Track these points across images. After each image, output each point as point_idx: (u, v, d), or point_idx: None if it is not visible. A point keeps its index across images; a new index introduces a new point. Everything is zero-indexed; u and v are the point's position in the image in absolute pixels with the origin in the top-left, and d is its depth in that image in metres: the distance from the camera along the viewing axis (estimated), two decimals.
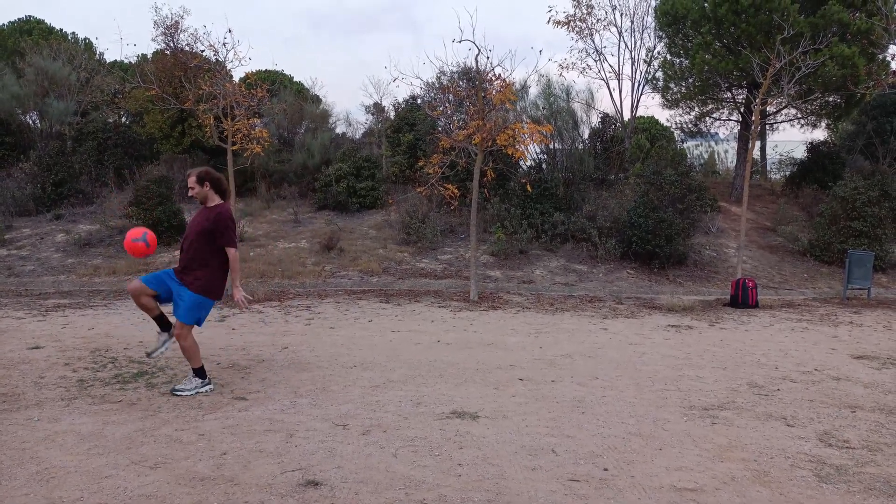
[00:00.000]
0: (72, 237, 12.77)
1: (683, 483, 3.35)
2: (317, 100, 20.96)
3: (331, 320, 7.97)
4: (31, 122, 17.99)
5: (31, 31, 21.33)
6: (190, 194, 4.90)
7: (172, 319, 4.86)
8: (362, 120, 30.40)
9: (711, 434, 4.11)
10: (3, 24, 22.01)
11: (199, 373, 4.81)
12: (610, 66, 24.38)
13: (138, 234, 4.80)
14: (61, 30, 22.26)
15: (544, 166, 15.15)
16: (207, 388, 4.83)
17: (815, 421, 4.43)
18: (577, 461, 3.62)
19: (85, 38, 22.28)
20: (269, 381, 5.18)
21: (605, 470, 3.51)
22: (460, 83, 14.88)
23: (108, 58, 21.82)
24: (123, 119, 18.03)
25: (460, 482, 3.31)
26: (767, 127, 19.18)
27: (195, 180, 4.83)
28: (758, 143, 20.39)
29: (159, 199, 12.53)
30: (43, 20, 22.45)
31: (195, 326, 4.80)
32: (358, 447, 3.76)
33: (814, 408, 4.74)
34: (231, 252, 4.77)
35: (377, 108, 23.97)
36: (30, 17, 22.40)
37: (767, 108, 16.57)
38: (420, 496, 3.14)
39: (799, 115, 17.80)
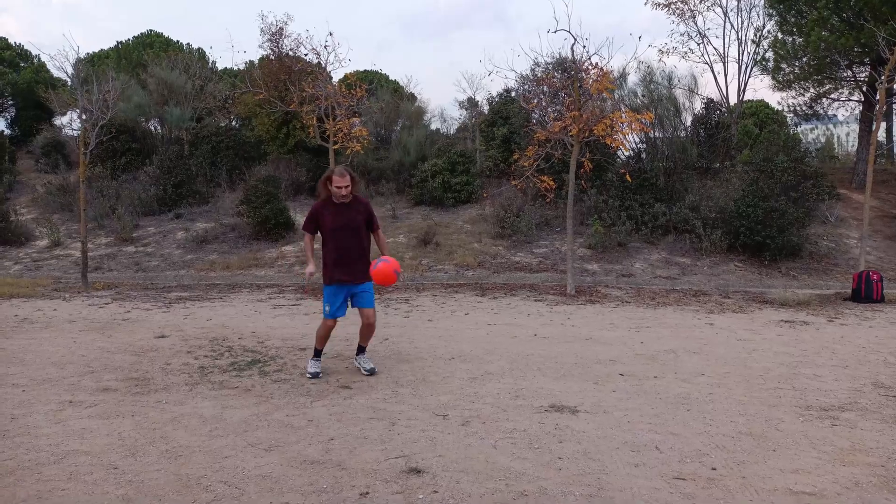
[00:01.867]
0: (190, 234, 13.73)
1: (801, 486, 3.17)
2: (412, 97, 21.34)
3: (428, 313, 8.12)
4: (153, 128, 19.50)
5: (153, 44, 23.09)
6: (343, 193, 5.01)
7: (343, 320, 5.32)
8: (456, 115, 30.58)
9: (831, 436, 3.86)
10: (129, 39, 23.97)
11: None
12: (714, 48, 23.28)
13: (398, 268, 5.01)
14: (178, 41, 23.96)
15: (644, 156, 14.66)
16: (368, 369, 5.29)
17: None
18: (682, 459, 3.51)
19: (199, 48, 23.86)
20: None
21: (714, 469, 3.38)
22: (555, 74, 14.66)
23: (220, 66, 23.30)
24: (234, 123, 19.14)
25: (560, 476, 3.30)
26: (894, 107, 17.58)
27: (350, 179, 5.03)
28: (883, 125, 18.74)
29: (267, 198, 13.22)
30: (162, 33, 24.24)
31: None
32: (458, 437, 3.83)
33: None
34: (381, 233, 5.37)
35: (471, 103, 24.09)
36: (150, 31, 24.25)
37: (894, 87, 15.19)
38: (520, 487, 3.16)
39: None
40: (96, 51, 24.30)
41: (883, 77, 9.91)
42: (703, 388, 4.89)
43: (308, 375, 5.15)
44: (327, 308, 5.11)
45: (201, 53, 23.40)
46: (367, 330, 5.27)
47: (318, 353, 5.29)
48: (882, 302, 8.96)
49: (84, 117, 10.86)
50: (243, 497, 3.07)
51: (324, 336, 5.22)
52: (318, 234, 5.21)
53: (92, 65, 20.61)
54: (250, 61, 20.14)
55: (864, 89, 15.61)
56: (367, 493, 3.11)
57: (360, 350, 5.41)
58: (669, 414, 4.26)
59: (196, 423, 4.09)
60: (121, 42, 24.04)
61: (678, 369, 5.43)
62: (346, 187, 5.00)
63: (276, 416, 4.22)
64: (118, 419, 4.16)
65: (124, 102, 16.52)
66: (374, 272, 4.96)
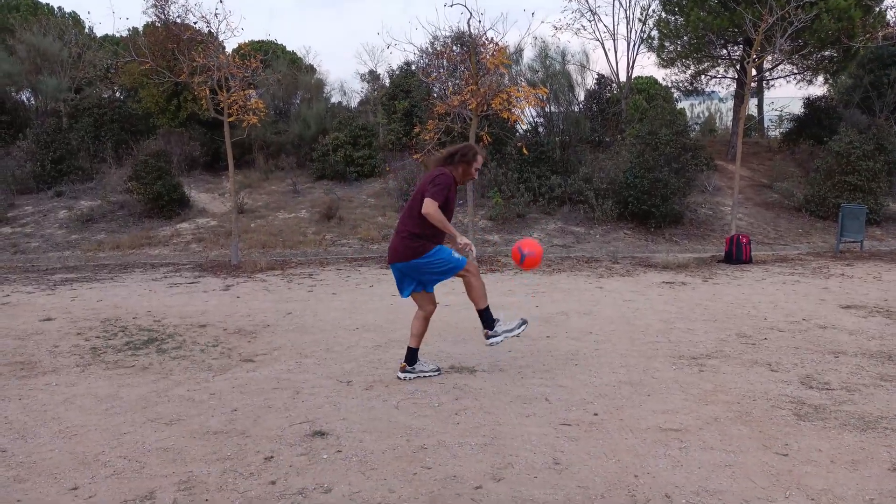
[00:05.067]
0: (74, 213, 12.91)
1: (669, 424, 3.56)
2: (311, 69, 20.86)
3: (333, 287, 8.16)
4: (25, 99, 17.99)
5: (18, 6, 21.13)
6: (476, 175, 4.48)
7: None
8: (357, 88, 30.17)
9: (698, 380, 4.31)
10: None
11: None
12: (605, 25, 24.22)
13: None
14: (48, 4, 22.04)
15: (541, 130, 15.18)
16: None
17: (798, 366, 4.63)
18: (569, 408, 3.82)
19: (72, 13, 22.08)
20: (275, 344, 5.38)
21: (595, 415, 3.71)
22: (454, 48, 14.81)
23: (99, 32, 21.72)
24: (118, 94, 17.99)
25: (458, 429, 3.51)
26: (763, 84, 19.12)
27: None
28: (754, 101, 20.33)
29: (159, 174, 12.63)
30: None
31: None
32: (361, 401, 3.97)
33: (798, 354, 4.94)
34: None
35: (372, 76, 23.86)
36: None
37: (763, 65, 16.50)
38: (420, 442, 3.34)
39: (795, 71, 17.73)
40: None
41: (752, 56, 10.78)
42: (590, 344, 5.28)
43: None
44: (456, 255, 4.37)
45: (76, 18, 21.68)
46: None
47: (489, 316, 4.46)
48: (750, 263, 9.87)
49: None
50: (144, 470, 3.07)
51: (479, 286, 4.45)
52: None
53: None
54: (134, 28, 18.89)
55: (737, 67, 16.86)
56: (272, 457, 3.19)
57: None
58: (559, 369, 4.60)
59: (90, 402, 3.98)
60: None
61: (569, 329, 5.81)
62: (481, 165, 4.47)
63: (176, 391, 4.18)
64: (3, 402, 3.98)
65: None
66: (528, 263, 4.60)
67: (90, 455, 3.23)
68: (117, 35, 20.12)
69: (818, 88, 19.42)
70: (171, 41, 13.28)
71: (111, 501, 2.77)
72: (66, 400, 4.03)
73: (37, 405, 3.94)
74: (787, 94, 21.94)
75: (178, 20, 12.80)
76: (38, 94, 17.21)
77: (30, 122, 15.76)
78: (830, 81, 19.32)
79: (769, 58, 14.99)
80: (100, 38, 20.88)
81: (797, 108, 18.21)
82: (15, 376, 4.54)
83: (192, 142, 15.45)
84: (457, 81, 11.70)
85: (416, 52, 17.57)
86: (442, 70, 12.92)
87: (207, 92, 9.74)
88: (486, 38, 9.94)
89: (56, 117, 16.20)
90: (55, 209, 13.30)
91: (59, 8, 22.05)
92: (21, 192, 14.09)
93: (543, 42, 15.85)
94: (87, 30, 21.05)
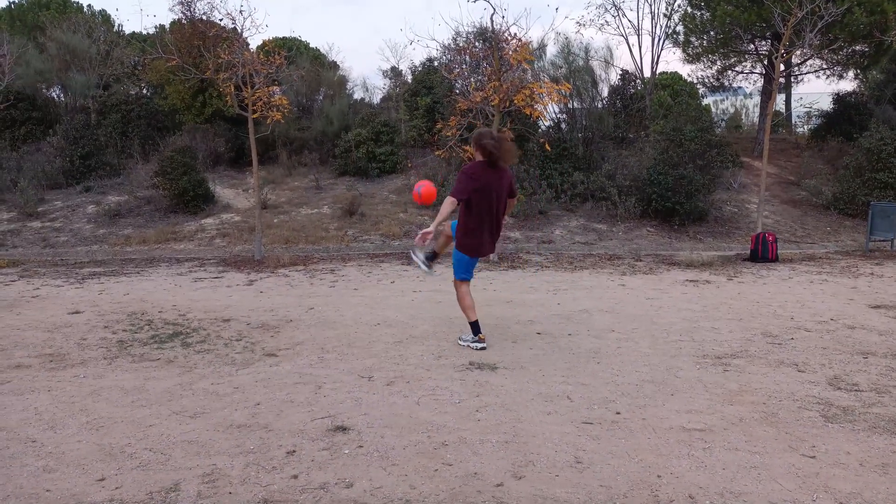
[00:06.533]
0: (102, 208, 13.13)
1: (693, 424, 3.51)
2: (334, 66, 20.96)
3: (354, 282, 8.20)
4: (55, 96, 18.32)
5: (49, 4, 21.52)
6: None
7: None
8: (380, 85, 30.23)
9: (723, 380, 4.25)
10: (22, 0, 22.22)
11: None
12: (629, 20, 23.95)
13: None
14: (77, 2, 22.42)
15: (563, 126, 15.08)
16: (478, 345, 5.07)
17: (826, 367, 4.54)
18: (590, 406, 3.80)
19: (102, 10, 22.43)
20: (297, 339, 5.42)
21: (618, 413, 3.68)
22: (476, 44, 14.77)
23: (127, 29, 22.02)
24: (145, 91, 18.24)
25: (479, 426, 3.51)
26: (792, 79, 18.77)
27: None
28: (782, 97, 19.97)
29: (184, 170, 12.79)
30: None
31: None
32: (382, 396, 3.98)
33: (826, 354, 4.85)
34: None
35: (394, 73, 23.88)
36: None
37: (792, 60, 16.21)
38: (441, 438, 3.35)
39: (824, 66, 17.38)
40: None
41: (780, 51, 10.58)
42: (612, 342, 5.23)
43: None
44: None
45: (105, 16, 22.03)
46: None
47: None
48: (776, 261, 9.71)
49: None
50: (169, 462, 3.11)
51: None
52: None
53: None
54: (160, 25, 19.16)
55: (765, 63, 16.58)
56: (294, 451, 3.22)
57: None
58: (581, 367, 4.57)
59: (117, 395, 4.05)
60: (13, 2, 22.28)
61: (591, 327, 5.77)
62: None
63: (200, 385, 4.24)
64: (33, 394, 4.06)
65: (22, 68, 15.42)
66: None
67: (117, 447, 3.28)
68: (144, 32, 20.45)
69: (848, 84, 18.96)
70: (196, 38, 13.44)
71: (137, 492, 2.82)
72: (94, 392, 4.11)
73: (65, 397, 4.02)
74: (816, 89, 21.55)
75: (204, 17, 12.95)
76: (67, 91, 17.51)
77: (59, 119, 16.04)
78: (861, 77, 18.89)
79: (798, 53, 14.72)
80: (127, 35, 21.20)
81: (826, 104, 17.85)
82: (44, 368, 4.64)
83: (216, 138, 15.62)
84: (479, 77, 11.67)
85: (439, 48, 17.58)
86: (464, 66, 12.89)
87: (232, 88, 9.83)
88: (509, 34, 9.90)
89: (85, 114, 16.48)
90: (83, 204, 13.54)
91: (89, 6, 22.42)
92: (51, 187, 14.37)
93: (566, 38, 15.73)
94: (115, 27, 21.38)
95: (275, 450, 3.23)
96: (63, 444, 3.33)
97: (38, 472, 3.01)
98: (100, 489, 2.85)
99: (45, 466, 3.06)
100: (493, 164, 4.76)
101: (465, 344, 5.13)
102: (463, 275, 5.08)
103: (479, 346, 5.07)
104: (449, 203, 4.66)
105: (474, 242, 4.93)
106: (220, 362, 4.76)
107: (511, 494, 2.77)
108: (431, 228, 4.62)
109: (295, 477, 2.94)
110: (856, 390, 4.04)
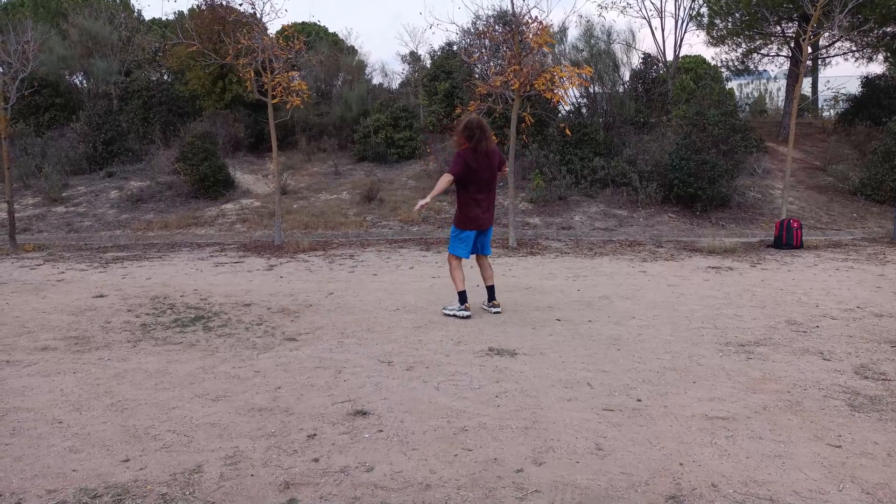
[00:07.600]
0: (124, 194, 13.28)
1: (715, 412, 3.47)
2: (353, 51, 20.90)
3: (373, 268, 8.21)
4: (78, 82, 18.49)
5: None
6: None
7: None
8: (399, 70, 30.11)
9: (746, 368, 4.20)
10: None
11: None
12: (652, 3, 23.51)
13: None
14: None
15: (584, 111, 14.91)
16: (464, 313, 5.49)
17: (852, 355, 4.46)
18: (611, 393, 3.77)
19: None
20: (317, 323, 5.45)
21: (639, 401, 3.65)
22: (496, 28, 14.61)
23: (147, 15, 22.14)
24: (166, 77, 18.34)
25: (499, 412, 3.50)
26: (819, 62, 18.34)
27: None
28: (808, 80, 19.54)
29: (205, 155, 12.86)
30: None
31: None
32: (402, 381, 3.99)
33: (852, 343, 4.76)
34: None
35: (413, 57, 23.76)
36: None
37: (819, 42, 15.83)
38: (461, 424, 3.35)
39: (853, 48, 16.94)
40: None
41: (808, 33, 10.32)
42: (633, 329, 5.19)
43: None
44: None
45: (125, 2, 22.14)
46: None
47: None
48: (801, 248, 9.54)
49: (2, 70, 10.24)
50: (192, 444, 3.15)
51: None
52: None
53: (6, 13, 19.27)
54: (180, 11, 19.22)
55: (791, 45, 16.20)
56: (315, 434, 3.24)
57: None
58: (601, 354, 4.53)
59: (141, 377, 4.11)
60: None
61: (611, 313, 5.73)
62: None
63: (222, 368, 4.28)
64: (59, 376, 4.13)
65: (45, 54, 15.57)
66: None
67: (141, 428, 3.33)
68: (164, 18, 20.50)
69: (878, 66, 18.46)
70: (216, 23, 13.47)
71: (161, 473, 2.86)
72: (118, 375, 4.17)
73: (90, 379, 4.09)
74: (844, 72, 21.05)
75: (224, 2, 12.96)
76: (89, 77, 17.67)
77: (82, 105, 16.20)
78: (891, 59, 18.40)
79: (826, 35, 14.35)
80: (148, 21, 21.30)
81: (854, 88, 17.41)
82: (70, 351, 4.72)
83: (236, 123, 15.69)
84: (499, 62, 11.56)
85: (458, 32, 17.42)
86: (484, 50, 12.78)
87: (252, 74, 9.84)
88: (530, 17, 9.77)
89: (107, 100, 16.64)
90: (106, 189, 13.70)
91: None
92: (74, 172, 14.55)
93: (588, 21, 15.50)
94: (135, 13, 21.49)
95: (296, 433, 3.25)
96: (88, 425, 3.38)
97: (64, 452, 3.07)
98: (125, 469, 2.89)
99: (72, 447, 3.12)
100: (479, 143, 5.20)
101: (452, 312, 5.53)
102: (459, 251, 5.49)
103: (465, 313, 5.46)
104: (445, 179, 5.17)
105: (472, 215, 5.38)
106: (241, 346, 4.80)
107: (531, 480, 2.77)
108: (428, 200, 5.10)
109: (316, 460, 2.96)
110: (883, 379, 3.96)
